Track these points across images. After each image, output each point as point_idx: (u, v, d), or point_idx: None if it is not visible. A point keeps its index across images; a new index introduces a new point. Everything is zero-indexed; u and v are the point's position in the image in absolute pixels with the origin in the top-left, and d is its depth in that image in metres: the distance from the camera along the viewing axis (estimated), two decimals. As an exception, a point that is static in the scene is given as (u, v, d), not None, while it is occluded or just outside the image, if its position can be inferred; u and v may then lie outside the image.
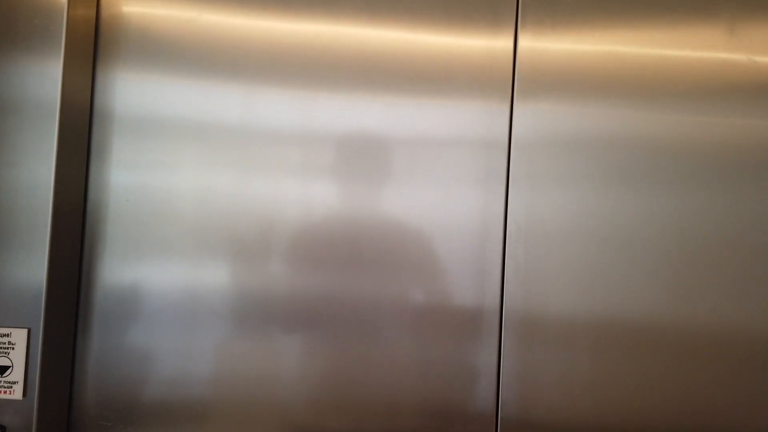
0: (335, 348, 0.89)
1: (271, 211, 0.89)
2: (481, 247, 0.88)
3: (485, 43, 0.88)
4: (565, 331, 0.87)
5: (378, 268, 0.88)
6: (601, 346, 0.87)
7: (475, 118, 0.88)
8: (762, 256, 0.86)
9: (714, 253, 0.86)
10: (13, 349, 0.82)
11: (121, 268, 0.89)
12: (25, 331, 0.82)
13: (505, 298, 0.87)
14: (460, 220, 0.88)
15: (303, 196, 0.89)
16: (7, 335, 0.82)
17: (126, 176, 0.90)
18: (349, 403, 0.89)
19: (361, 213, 0.89)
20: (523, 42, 0.87)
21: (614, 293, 0.86)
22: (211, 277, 0.89)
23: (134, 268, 0.89)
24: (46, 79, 0.83)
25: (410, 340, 0.88)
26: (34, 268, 0.82)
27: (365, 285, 0.88)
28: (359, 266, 0.88)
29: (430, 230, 0.88)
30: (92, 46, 0.90)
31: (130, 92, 0.90)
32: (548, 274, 0.87)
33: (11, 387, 0.81)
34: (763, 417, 0.85)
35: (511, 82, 0.87)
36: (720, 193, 0.86)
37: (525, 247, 0.87)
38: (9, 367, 0.81)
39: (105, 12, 0.90)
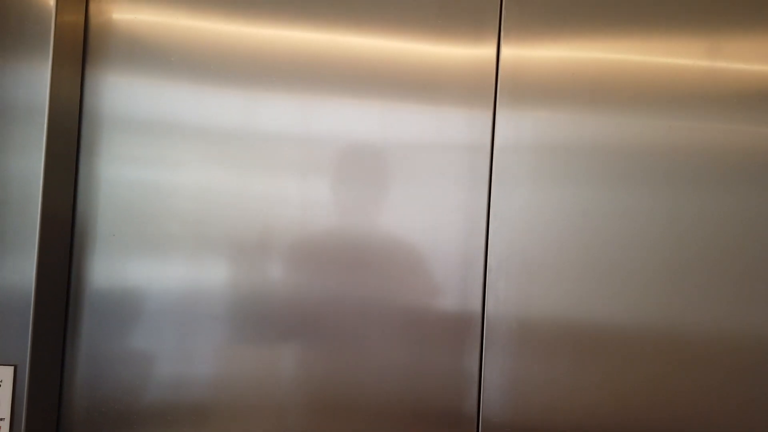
0: (325, 351, 0.90)
1: (261, 213, 0.90)
2: (464, 252, 0.89)
3: (469, 52, 0.90)
4: (547, 335, 0.88)
5: (365, 272, 0.90)
6: (582, 350, 0.88)
7: (459, 125, 0.90)
8: (750, 260, 0.88)
9: (697, 257, 0.88)
10: (-1, 386, 0.80)
11: (113, 279, 0.89)
12: (11, 369, 0.80)
13: (486, 303, 0.89)
14: (443, 225, 0.89)
15: (294, 198, 0.90)
16: (-7, 373, 0.80)
17: (116, 180, 0.90)
18: (338, 406, 0.90)
19: (351, 218, 0.90)
20: (505, 51, 0.89)
21: (597, 298, 0.88)
22: (207, 281, 0.89)
23: (125, 280, 0.89)
24: (34, 83, 0.83)
25: (396, 344, 0.90)
26: (20, 297, 0.81)
27: (354, 288, 0.90)
28: (349, 270, 0.90)
29: (416, 235, 0.90)
30: (81, 52, 0.90)
31: (119, 97, 0.90)
32: (530, 279, 0.89)
33: (-3, 425, 0.80)
34: (750, 422, 0.87)
35: (494, 90, 0.89)
36: (703, 198, 0.88)
37: (507, 252, 0.89)
38: (-6, 405, 0.80)
39: (94, 18, 0.91)
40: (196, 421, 0.89)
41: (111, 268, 0.90)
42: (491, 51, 0.90)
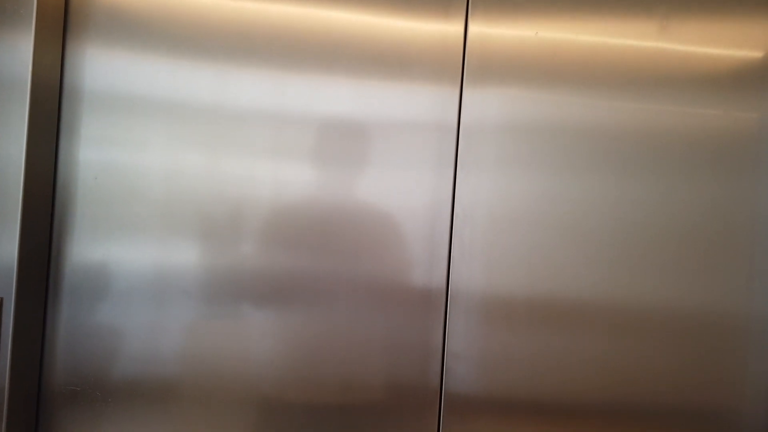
0: (295, 325, 0.92)
1: (231, 189, 0.92)
2: (429, 228, 0.91)
3: (438, 28, 0.89)
4: (507, 309, 0.90)
5: (331, 247, 0.91)
6: (541, 323, 0.90)
7: (426, 102, 0.90)
8: (693, 239, 0.89)
9: (650, 236, 0.89)
10: (-15, 316, 0.85)
11: (91, 244, 0.92)
12: None
13: (451, 277, 0.91)
14: (410, 201, 0.91)
15: (260, 176, 0.91)
16: (-20, 304, 0.85)
17: (95, 154, 0.92)
18: (307, 378, 0.92)
19: (319, 195, 0.91)
20: (473, 28, 0.89)
21: (555, 274, 0.90)
22: (179, 255, 0.92)
23: (103, 245, 0.92)
24: (16, 56, 0.84)
25: (363, 317, 0.92)
26: (5, 241, 0.85)
27: (322, 265, 0.91)
28: (315, 246, 0.91)
29: (382, 211, 0.91)
30: (62, 24, 0.91)
31: (99, 70, 0.91)
32: (492, 254, 0.90)
33: (-17, 352, 0.85)
34: (694, 390, 0.90)
35: (461, 67, 0.89)
36: (659, 180, 0.89)
37: (471, 229, 0.90)
38: (-19, 333, 0.85)
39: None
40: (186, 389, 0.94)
41: (92, 229, 0.93)
42: (459, 27, 0.89)
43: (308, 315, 0.92)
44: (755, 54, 0.89)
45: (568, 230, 0.90)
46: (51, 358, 0.93)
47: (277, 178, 0.91)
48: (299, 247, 0.92)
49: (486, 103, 0.89)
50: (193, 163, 0.91)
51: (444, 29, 0.89)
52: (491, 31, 0.89)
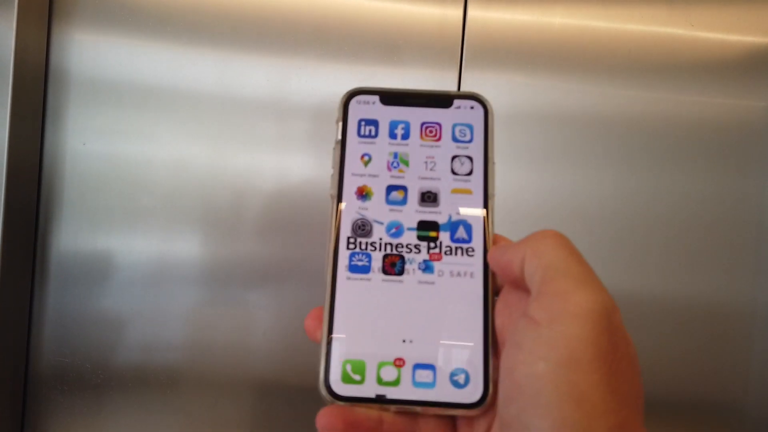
0: (289, 312, 0.90)
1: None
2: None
3: (435, 11, 0.86)
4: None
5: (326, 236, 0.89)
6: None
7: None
8: (699, 230, 0.87)
9: (654, 227, 0.87)
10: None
11: (79, 229, 0.91)
12: None
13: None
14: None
15: (255, 163, 0.89)
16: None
17: (84, 140, 0.89)
18: (303, 364, 0.90)
19: (317, 180, 0.89)
20: (472, 11, 0.85)
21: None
22: (178, 247, 0.90)
23: (91, 230, 0.90)
24: None
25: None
26: None
27: (317, 252, 0.89)
28: (311, 234, 0.89)
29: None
30: (47, 3, 0.88)
31: (88, 54, 0.88)
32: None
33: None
34: (695, 382, 0.88)
35: (460, 53, 0.86)
36: (664, 170, 0.86)
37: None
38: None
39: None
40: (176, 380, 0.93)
41: (80, 221, 0.91)
42: (457, 11, 0.86)
43: (306, 301, 0.90)
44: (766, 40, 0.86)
45: (569, 221, 0.87)
46: (38, 342, 0.92)
47: (273, 165, 0.89)
48: (296, 235, 0.89)
49: (485, 91, 0.85)
50: (189, 152, 0.89)
51: (442, 13, 0.86)
52: (491, 15, 0.85)
